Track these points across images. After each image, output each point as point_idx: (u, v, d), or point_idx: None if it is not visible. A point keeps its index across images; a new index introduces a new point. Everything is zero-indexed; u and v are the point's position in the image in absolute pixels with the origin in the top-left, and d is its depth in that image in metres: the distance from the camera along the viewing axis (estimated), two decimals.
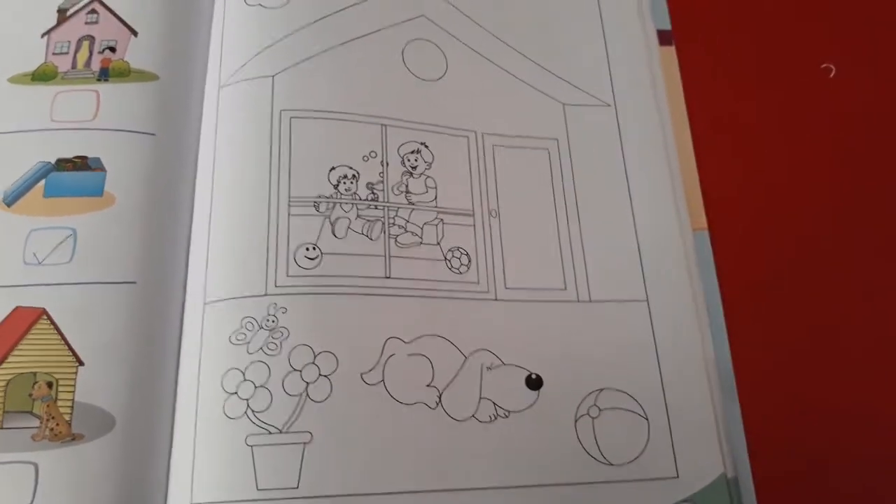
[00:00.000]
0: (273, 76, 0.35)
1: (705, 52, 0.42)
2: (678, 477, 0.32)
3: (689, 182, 0.38)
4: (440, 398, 0.32)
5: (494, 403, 0.32)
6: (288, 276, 0.32)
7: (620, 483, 0.31)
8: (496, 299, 0.34)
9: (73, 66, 0.37)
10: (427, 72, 0.38)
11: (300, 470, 0.29)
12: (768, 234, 0.37)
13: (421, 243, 0.34)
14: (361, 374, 0.31)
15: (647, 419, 0.33)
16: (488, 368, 0.32)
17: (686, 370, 0.34)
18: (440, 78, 0.38)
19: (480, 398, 0.32)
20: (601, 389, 0.33)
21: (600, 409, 0.33)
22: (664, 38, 0.42)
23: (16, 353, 0.31)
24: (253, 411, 0.30)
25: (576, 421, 0.32)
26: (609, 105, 0.39)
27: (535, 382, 0.33)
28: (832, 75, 0.42)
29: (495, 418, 0.32)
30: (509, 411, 0.32)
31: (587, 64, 0.40)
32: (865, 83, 0.41)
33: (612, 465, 0.32)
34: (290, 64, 0.36)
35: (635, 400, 0.33)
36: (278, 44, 0.36)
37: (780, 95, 0.41)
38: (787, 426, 0.33)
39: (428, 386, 0.32)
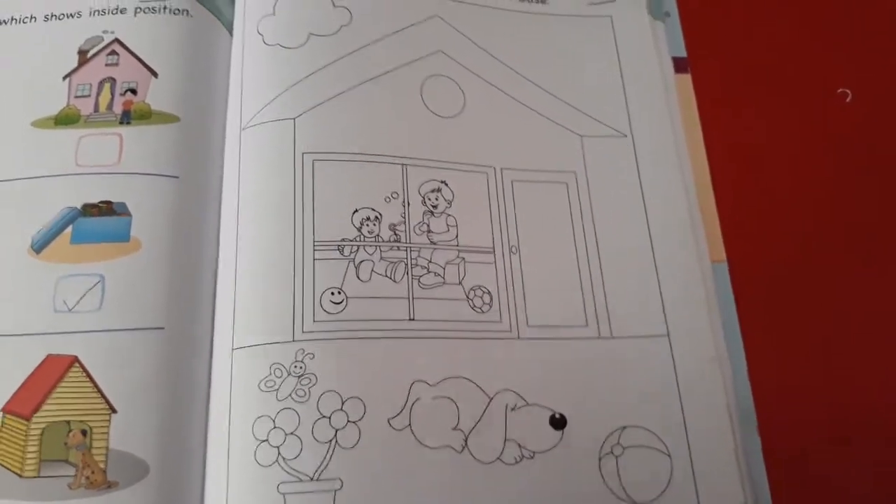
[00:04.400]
0: (294, 119, 0.36)
1: (721, 80, 0.42)
2: None
3: (707, 213, 0.39)
4: (466, 441, 0.32)
5: (519, 445, 0.32)
6: (315, 321, 0.32)
7: None
8: (518, 338, 0.34)
9: (96, 108, 0.37)
10: (445, 108, 0.38)
11: None
12: (787, 264, 0.38)
13: (444, 283, 0.35)
14: (388, 420, 0.31)
15: (669, 456, 0.33)
16: (512, 409, 0.33)
17: (707, 405, 0.34)
18: (458, 114, 0.38)
19: (506, 440, 0.32)
20: (624, 427, 0.33)
21: (624, 448, 0.33)
22: (680, 65, 0.42)
23: (49, 401, 0.31)
24: (284, 459, 0.30)
25: (600, 459, 0.33)
26: (626, 135, 0.40)
27: (559, 422, 0.33)
28: (848, 100, 0.42)
29: (521, 459, 0.32)
30: (534, 452, 0.32)
31: (603, 94, 0.41)
32: (882, 108, 0.41)
33: (635, 503, 0.32)
34: (311, 106, 0.36)
35: (658, 437, 0.33)
36: (298, 85, 0.36)
37: (797, 122, 0.41)
38: (808, 459, 0.34)
39: (454, 429, 0.32)
